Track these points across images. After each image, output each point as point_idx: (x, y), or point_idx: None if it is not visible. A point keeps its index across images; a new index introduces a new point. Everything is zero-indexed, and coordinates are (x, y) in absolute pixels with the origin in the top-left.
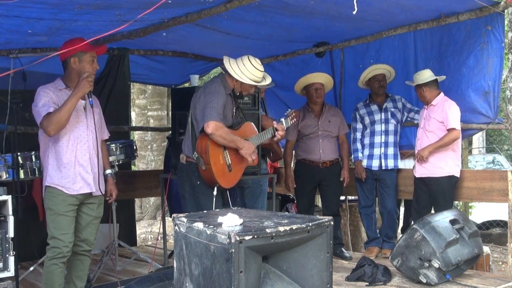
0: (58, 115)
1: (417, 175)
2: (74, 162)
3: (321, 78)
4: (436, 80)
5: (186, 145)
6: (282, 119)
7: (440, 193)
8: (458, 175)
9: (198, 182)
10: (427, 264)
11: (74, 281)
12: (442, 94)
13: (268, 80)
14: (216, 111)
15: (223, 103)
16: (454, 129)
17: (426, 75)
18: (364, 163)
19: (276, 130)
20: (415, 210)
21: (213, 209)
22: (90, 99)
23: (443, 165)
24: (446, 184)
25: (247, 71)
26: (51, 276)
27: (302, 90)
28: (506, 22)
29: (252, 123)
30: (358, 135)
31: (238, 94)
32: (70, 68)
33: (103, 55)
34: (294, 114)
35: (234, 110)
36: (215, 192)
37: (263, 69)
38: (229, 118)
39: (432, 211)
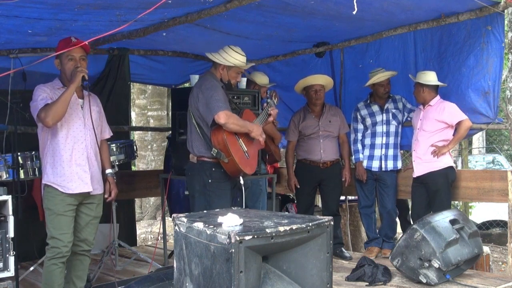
0: (56, 104)
1: (417, 174)
2: (71, 160)
3: (321, 80)
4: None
5: (195, 146)
6: (269, 100)
7: (438, 189)
8: (453, 164)
9: (210, 181)
10: (427, 264)
11: (74, 281)
12: (438, 96)
13: (251, 65)
14: (221, 102)
15: (223, 95)
16: (462, 120)
17: (430, 77)
18: (364, 163)
19: (268, 111)
20: (414, 213)
21: (243, 199)
22: (86, 81)
23: (440, 158)
24: (444, 178)
25: (230, 56)
26: (50, 276)
27: (302, 90)
28: (506, 22)
29: (250, 110)
30: (359, 135)
31: (227, 83)
32: (59, 69)
33: (103, 55)
34: (274, 94)
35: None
36: (242, 181)
37: (244, 54)
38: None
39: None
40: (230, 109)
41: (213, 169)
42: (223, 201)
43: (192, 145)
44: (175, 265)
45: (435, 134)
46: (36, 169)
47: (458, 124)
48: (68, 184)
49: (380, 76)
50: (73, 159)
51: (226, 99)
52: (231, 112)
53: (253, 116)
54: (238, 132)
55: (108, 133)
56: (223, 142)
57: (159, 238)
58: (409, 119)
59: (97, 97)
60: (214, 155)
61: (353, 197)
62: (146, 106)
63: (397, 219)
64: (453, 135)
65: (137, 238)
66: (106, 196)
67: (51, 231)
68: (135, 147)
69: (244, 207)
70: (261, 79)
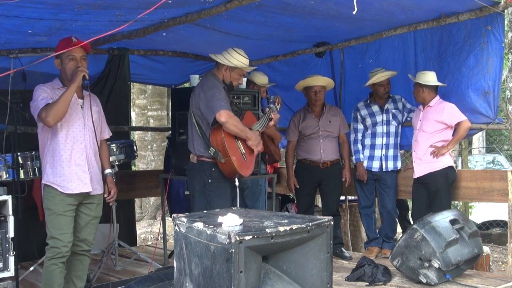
0: (56, 104)
1: (417, 175)
2: (70, 161)
3: (321, 82)
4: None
5: (195, 146)
6: (271, 105)
7: (439, 189)
8: (453, 164)
9: (210, 181)
10: (427, 264)
11: (73, 281)
12: (438, 97)
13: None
14: (222, 101)
15: (225, 95)
16: (461, 121)
17: (430, 77)
18: (365, 164)
19: (270, 115)
20: (414, 213)
21: (237, 200)
22: (86, 80)
23: (440, 159)
24: (444, 178)
25: (233, 58)
26: (50, 276)
27: (302, 89)
28: (506, 22)
29: (251, 112)
30: (359, 136)
31: (229, 84)
32: (59, 69)
33: (103, 55)
34: (278, 99)
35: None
36: (237, 183)
37: (247, 57)
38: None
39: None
40: (231, 110)
41: (213, 169)
42: (223, 201)
43: (192, 145)
44: (175, 265)
45: (434, 135)
46: (36, 169)
47: (458, 125)
48: (67, 184)
49: (380, 76)
50: (73, 159)
51: (227, 100)
52: (232, 113)
53: (254, 119)
54: (237, 135)
55: (107, 133)
56: (221, 142)
57: (159, 238)
58: (409, 119)
59: (97, 97)
60: (212, 154)
61: (353, 197)
62: (146, 106)
63: (397, 219)
64: (453, 135)
65: (137, 238)
66: (105, 196)
67: (51, 231)
68: (135, 147)
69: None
70: (261, 79)
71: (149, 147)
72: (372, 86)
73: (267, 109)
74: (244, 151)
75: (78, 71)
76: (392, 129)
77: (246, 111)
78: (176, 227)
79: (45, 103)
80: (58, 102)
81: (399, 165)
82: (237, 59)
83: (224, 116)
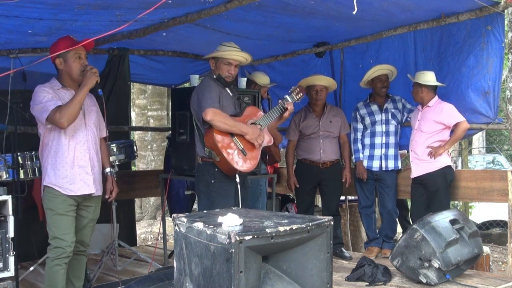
0: (70, 106)
1: (415, 175)
2: (73, 162)
3: (323, 81)
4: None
5: (198, 147)
6: (286, 96)
7: (438, 189)
8: (451, 164)
9: (213, 181)
10: (427, 264)
11: (72, 281)
12: (437, 97)
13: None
14: (210, 100)
15: (216, 94)
16: (460, 122)
17: (429, 77)
18: (365, 163)
19: (283, 106)
20: (414, 213)
21: (239, 196)
22: (100, 90)
23: (438, 159)
24: (442, 178)
25: (216, 50)
26: (55, 277)
27: (305, 88)
28: (506, 22)
29: (255, 106)
30: (359, 135)
31: (223, 79)
32: (59, 69)
33: (103, 55)
34: (298, 89)
35: (235, 101)
36: (237, 179)
37: (234, 46)
38: (230, 109)
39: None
40: (219, 108)
41: (216, 169)
42: (226, 201)
43: (196, 145)
44: (175, 265)
45: (433, 135)
46: (36, 169)
47: (456, 125)
48: (70, 186)
49: (378, 69)
50: (75, 160)
51: (228, 97)
52: (219, 111)
53: (257, 111)
54: (228, 131)
55: (105, 132)
56: (212, 141)
57: (159, 238)
58: (408, 119)
59: (94, 97)
60: (207, 154)
61: (353, 197)
62: (146, 106)
63: (397, 219)
64: (450, 136)
65: (137, 238)
66: (106, 196)
67: (54, 231)
68: (135, 147)
69: (240, 206)
70: (262, 79)
71: (149, 147)
72: (371, 83)
73: (280, 100)
74: (243, 147)
75: (93, 74)
76: (392, 128)
77: (248, 106)
78: (176, 227)
79: (54, 105)
80: (72, 103)
81: (399, 164)
82: (218, 49)
83: (209, 114)
